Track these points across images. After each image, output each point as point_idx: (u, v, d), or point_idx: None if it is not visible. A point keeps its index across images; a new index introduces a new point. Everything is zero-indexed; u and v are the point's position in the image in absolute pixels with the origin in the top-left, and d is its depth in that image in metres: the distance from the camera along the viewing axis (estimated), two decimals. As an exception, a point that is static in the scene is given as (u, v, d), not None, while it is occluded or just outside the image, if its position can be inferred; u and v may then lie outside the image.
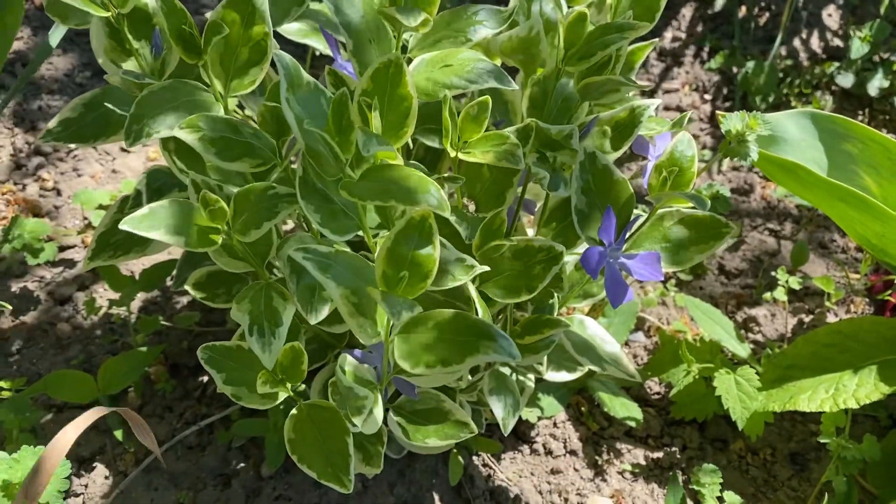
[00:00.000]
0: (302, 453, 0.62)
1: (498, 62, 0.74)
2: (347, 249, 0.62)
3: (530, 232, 0.81)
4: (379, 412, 0.59)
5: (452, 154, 0.61)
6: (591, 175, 0.68)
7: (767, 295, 1.08)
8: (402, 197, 0.53)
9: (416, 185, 0.53)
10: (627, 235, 0.72)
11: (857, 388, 0.82)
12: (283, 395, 0.62)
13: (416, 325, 0.56)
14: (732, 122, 0.74)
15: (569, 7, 0.81)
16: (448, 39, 0.68)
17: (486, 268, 0.59)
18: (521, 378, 0.86)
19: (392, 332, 0.57)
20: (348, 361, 0.58)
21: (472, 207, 0.71)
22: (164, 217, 0.59)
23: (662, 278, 0.72)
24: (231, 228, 0.61)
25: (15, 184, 1.15)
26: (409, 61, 0.68)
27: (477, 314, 0.61)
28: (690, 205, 0.73)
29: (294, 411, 0.63)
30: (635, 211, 0.73)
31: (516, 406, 0.74)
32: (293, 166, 0.65)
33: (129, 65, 0.74)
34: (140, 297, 1.02)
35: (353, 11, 0.62)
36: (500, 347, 0.54)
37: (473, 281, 0.65)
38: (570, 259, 0.79)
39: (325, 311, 0.62)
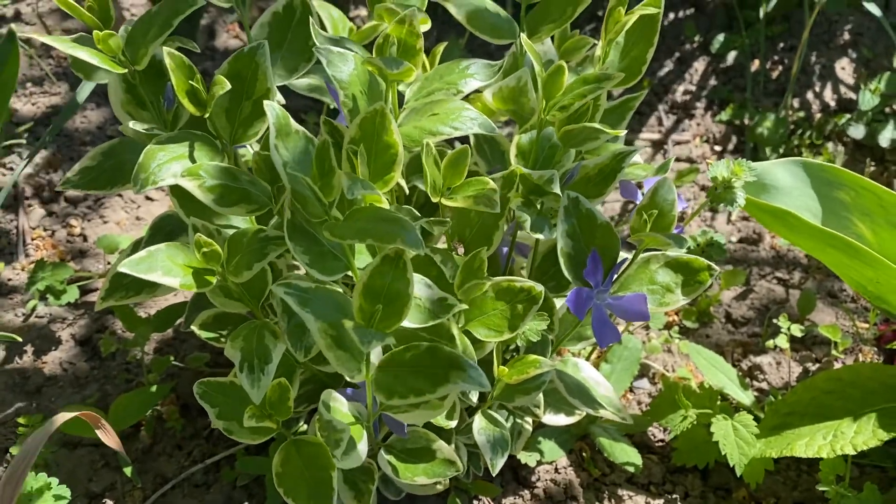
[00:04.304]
0: (288, 486, 0.64)
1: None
2: (337, 288, 0.64)
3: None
4: (363, 447, 0.60)
5: (435, 199, 0.64)
6: (576, 219, 0.70)
7: (771, 343, 1.08)
8: (379, 236, 0.56)
9: (393, 225, 0.56)
10: (615, 278, 0.74)
11: (855, 435, 0.81)
12: (272, 431, 0.64)
13: (393, 359, 0.58)
14: (719, 169, 0.76)
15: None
16: (441, 91, 0.71)
17: (465, 306, 0.61)
18: (518, 421, 0.88)
19: (371, 367, 0.59)
20: (332, 397, 0.60)
21: (462, 251, 0.74)
22: (162, 259, 0.62)
23: (649, 319, 0.73)
24: (225, 270, 0.64)
25: (44, 230, 1.21)
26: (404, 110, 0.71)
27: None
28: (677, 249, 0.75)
29: (283, 446, 0.65)
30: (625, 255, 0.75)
31: (505, 446, 0.75)
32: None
33: (145, 117, 0.79)
34: (154, 339, 1.06)
35: (345, 67, 0.66)
36: (470, 377, 0.56)
37: (458, 320, 0.67)
38: (563, 302, 0.81)
39: (313, 350, 0.65)
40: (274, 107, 0.60)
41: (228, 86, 0.66)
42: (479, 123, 0.66)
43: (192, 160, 0.68)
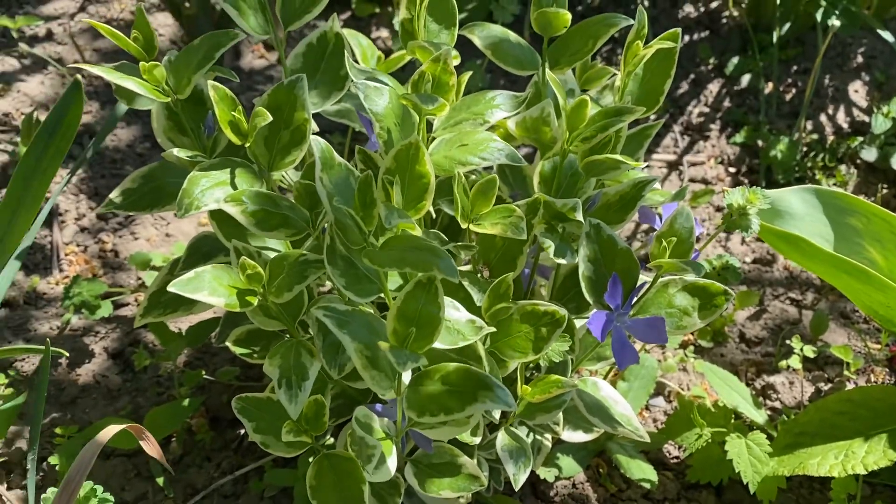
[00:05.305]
0: (321, 499, 0.67)
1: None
2: (370, 310, 0.68)
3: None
4: (392, 462, 0.64)
5: (464, 226, 0.68)
6: (598, 245, 0.74)
7: (784, 363, 1.10)
8: (416, 264, 0.59)
9: (428, 254, 0.59)
10: (634, 301, 0.77)
11: (865, 455, 0.84)
12: (307, 444, 0.68)
13: (424, 379, 0.61)
14: (734, 196, 0.79)
15: (583, 90, 0.88)
16: (468, 121, 0.75)
17: (493, 328, 0.64)
18: (538, 437, 0.91)
19: (403, 386, 0.62)
20: (364, 414, 0.63)
21: (487, 273, 0.77)
22: (208, 280, 0.66)
23: (667, 342, 0.76)
24: (266, 291, 0.68)
25: (77, 245, 1.25)
26: (434, 140, 0.75)
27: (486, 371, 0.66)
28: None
29: (316, 460, 0.69)
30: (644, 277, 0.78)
31: (528, 462, 0.78)
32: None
33: (186, 143, 0.83)
34: (185, 353, 1.10)
35: (381, 100, 0.70)
36: (497, 396, 0.60)
37: (485, 342, 0.70)
38: (583, 323, 0.84)
39: (346, 368, 0.68)
40: (319, 141, 0.64)
41: (269, 118, 0.70)
42: (505, 154, 0.70)
43: (234, 186, 0.71)
